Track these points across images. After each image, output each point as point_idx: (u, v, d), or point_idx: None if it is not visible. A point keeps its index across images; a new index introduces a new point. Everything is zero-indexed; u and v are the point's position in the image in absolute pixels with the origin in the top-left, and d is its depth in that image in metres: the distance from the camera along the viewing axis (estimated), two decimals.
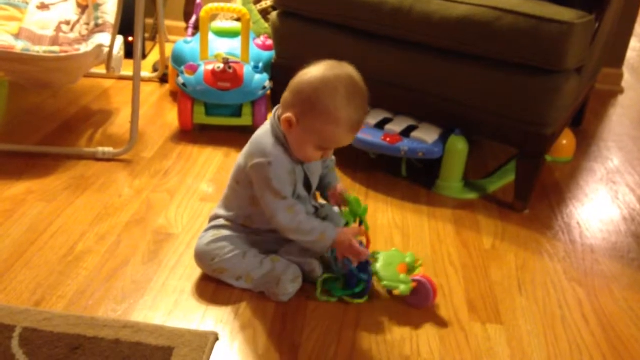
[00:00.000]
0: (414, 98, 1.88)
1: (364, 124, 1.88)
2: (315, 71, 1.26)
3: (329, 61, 1.28)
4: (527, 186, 1.79)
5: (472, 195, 1.87)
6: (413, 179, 1.93)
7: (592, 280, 1.53)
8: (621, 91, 3.03)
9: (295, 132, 1.28)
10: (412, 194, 1.85)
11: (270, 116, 1.36)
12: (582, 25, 1.61)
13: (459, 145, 1.82)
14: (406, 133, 1.86)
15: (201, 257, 1.38)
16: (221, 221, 1.42)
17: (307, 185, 1.39)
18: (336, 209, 1.47)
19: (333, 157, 1.46)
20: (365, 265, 1.36)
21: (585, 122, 2.53)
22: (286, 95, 1.30)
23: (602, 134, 2.52)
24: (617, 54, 2.92)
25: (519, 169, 1.80)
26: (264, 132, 1.34)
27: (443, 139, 1.84)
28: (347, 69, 1.27)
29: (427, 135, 1.83)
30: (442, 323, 1.32)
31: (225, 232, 1.39)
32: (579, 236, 1.72)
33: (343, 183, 1.86)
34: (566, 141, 2.18)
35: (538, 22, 1.61)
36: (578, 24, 1.59)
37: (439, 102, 1.84)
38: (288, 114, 1.27)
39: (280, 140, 1.31)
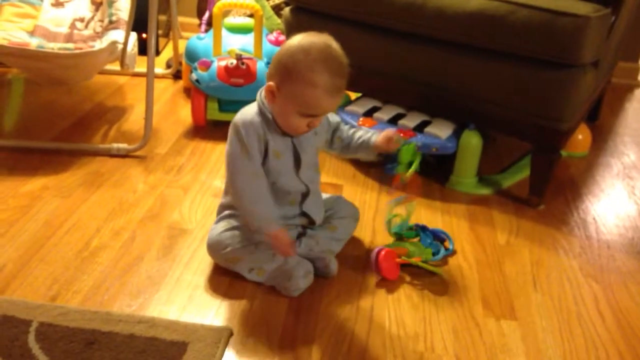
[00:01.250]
0: (427, 93, 1.87)
1: (377, 119, 1.88)
2: (292, 41, 1.30)
3: (307, 32, 1.31)
4: (542, 181, 1.78)
5: (486, 191, 1.86)
6: (426, 174, 1.92)
7: (608, 276, 1.51)
8: (638, 85, 2.99)
9: (277, 101, 1.30)
10: (426, 190, 1.84)
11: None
12: (598, 18, 1.59)
13: (472, 141, 1.81)
14: (419, 128, 1.85)
15: (214, 247, 1.39)
16: (228, 211, 1.43)
17: (297, 160, 1.39)
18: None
19: (337, 118, 1.49)
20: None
21: (601, 116, 2.51)
22: (269, 68, 1.34)
23: (618, 128, 2.49)
24: (633, 48, 2.88)
25: (533, 164, 1.79)
26: (250, 104, 1.38)
27: (457, 134, 1.83)
28: (323, 37, 1.30)
29: (441, 131, 1.82)
30: (456, 319, 1.32)
31: (236, 222, 1.39)
32: (595, 232, 1.71)
33: (356, 179, 1.87)
34: (582, 136, 2.16)
35: (553, 15, 1.59)
36: (594, 17, 1.58)
37: (453, 97, 1.83)
38: (269, 83, 1.30)
39: (263, 112, 1.34)
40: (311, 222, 1.45)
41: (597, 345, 1.28)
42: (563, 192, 1.92)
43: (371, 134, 1.48)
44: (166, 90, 2.45)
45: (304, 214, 1.43)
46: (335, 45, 1.29)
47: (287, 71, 1.27)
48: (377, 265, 1.40)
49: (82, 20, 2.14)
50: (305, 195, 1.42)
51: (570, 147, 2.14)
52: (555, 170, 1.80)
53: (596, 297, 1.43)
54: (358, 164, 1.94)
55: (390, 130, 1.46)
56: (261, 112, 1.34)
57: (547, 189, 1.81)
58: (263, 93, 1.35)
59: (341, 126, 1.50)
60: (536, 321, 1.34)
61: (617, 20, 1.76)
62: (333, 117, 1.49)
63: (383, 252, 1.40)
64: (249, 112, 1.35)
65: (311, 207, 1.43)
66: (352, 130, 1.50)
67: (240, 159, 1.33)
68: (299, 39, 1.29)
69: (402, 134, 1.48)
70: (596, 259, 1.58)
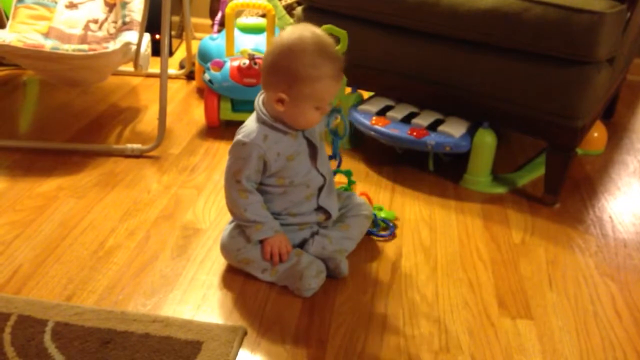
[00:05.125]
0: (441, 91, 1.86)
1: (390, 119, 1.88)
2: (279, 44, 1.28)
3: (285, 30, 1.30)
4: (557, 180, 1.77)
5: (500, 190, 1.85)
6: (440, 173, 1.92)
7: (625, 275, 1.50)
8: None
9: (290, 106, 1.29)
10: (440, 189, 1.83)
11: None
12: (613, 15, 1.58)
13: (487, 139, 1.80)
14: (433, 127, 1.84)
15: (227, 248, 1.39)
16: None
17: (313, 153, 1.38)
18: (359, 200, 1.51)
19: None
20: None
21: (617, 114, 2.48)
22: (265, 78, 1.32)
23: (634, 126, 2.46)
24: None
25: (548, 163, 1.78)
26: (250, 119, 1.37)
27: (470, 132, 1.82)
28: (305, 28, 1.29)
29: (454, 129, 1.81)
30: (471, 318, 1.31)
31: None
32: (611, 230, 1.69)
33: (369, 178, 1.87)
34: (597, 134, 2.14)
35: (568, 12, 1.58)
36: (609, 13, 1.56)
37: (466, 95, 1.82)
38: (277, 94, 1.28)
39: (267, 122, 1.33)
40: (327, 217, 1.44)
41: (614, 345, 1.27)
42: (578, 190, 1.90)
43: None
44: (179, 90, 2.46)
45: (320, 209, 1.43)
46: (318, 30, 1.30)
47: (291, 76, 1.26)
48: None
49: (95, 21, 2.16)
50: (321, 188, 1.42)
51: (586, 145, 2.12)
52: (570, 168, 1.79)
53: (613, 296, 1.42)
54: (371, 163, 1.94)
55: None
56: (264, 123, 1.33)
57: (563, 187, 1.79)
58: (261, 104, 1.35)
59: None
60: (552, 321, 1.32)
61: (632, 16, 1.74)
62: None
63: None
64: (249, 129, 1.34)
65: (326, 200, 1.43)
66: None
67: (230, 180, 1.35)
68: (285, 40, 1.28)
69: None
70: (613, 258, 1.56)
